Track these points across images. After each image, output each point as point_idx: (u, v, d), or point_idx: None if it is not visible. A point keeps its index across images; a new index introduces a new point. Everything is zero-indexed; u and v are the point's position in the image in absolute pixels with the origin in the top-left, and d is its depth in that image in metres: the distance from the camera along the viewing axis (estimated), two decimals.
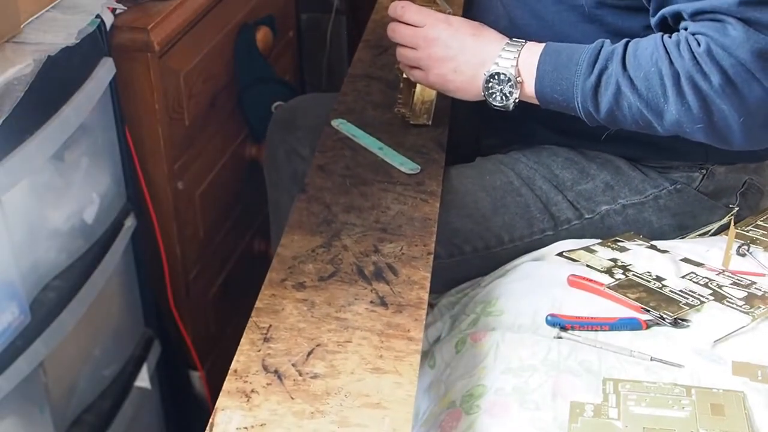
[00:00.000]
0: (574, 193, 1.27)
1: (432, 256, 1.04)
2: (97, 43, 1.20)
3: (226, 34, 1.49)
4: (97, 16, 1.19)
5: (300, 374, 0.87)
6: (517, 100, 1.15)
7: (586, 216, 1.27)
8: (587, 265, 1.14)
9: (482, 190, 1.26)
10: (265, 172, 1.52)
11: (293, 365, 0.88)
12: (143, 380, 1.39)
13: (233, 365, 0.88)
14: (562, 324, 1.03)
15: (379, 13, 1.67)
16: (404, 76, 1.29)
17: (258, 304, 0.96)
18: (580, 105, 1.11)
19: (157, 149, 1.34)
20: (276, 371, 0.87)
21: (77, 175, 1.22)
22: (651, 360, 0.98)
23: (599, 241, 1.21)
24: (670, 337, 1.01)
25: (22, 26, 1.11)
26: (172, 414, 1.53)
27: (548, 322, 1.04)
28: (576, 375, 0.98)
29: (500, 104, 1.16)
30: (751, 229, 1.21)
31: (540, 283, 1.12)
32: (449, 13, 1.25)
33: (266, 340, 0.91)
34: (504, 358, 1.01)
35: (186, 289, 1.47)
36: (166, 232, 1.40)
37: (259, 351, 0.90)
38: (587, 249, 1.18)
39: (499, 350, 1.03)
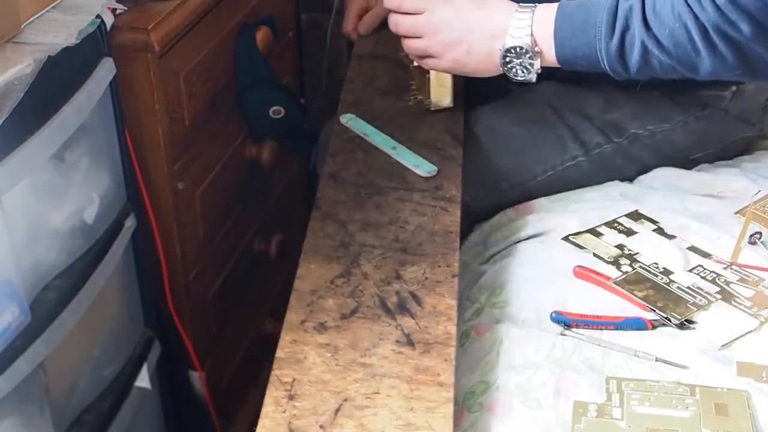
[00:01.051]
0: (601, 122, 1.26)
1: (457, 278, 1.00)
2: (97, 43, 1.20)
3: (226, 34, 1.49)
4: (97, 16, 1.19)
5: None
6: (539, 71, 1.11)
7: (615, 140, 1.25)
8: (594, 254, 1.12)
9: (517, 124, 1.24)
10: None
11: (321, 427, 0.83)
12: (143, 380, 1.39)
13: (260, 431, 0.83)
14: (566, 322, 1.03)
15: None
16: (414, 63, 1.24)
17: (279, 353, 0.91)
18: (607, 67, 1.09)
19: (157, 149, 1.33)
20: None
21: (77, 175, 1.22)
22: (656, 361, 0.98)
23: (605, 222, 1.19)
24: (676, 337, 1.01)
25: (22, 26, 1.11)
26: (172, 414, 1.53)
27: (552, 320, 1.04)
28: (579, 373, 0.97)
29: (522, 78, 1.12)
30: None
31: (545, 272, 1.11)
32: None
33: (291, 397, 0.86)
34: (507, 354, 1.01)
35: (186, 289, 1.47)
36: (166, 232, 1.39)
37: (285, 412, 0.84)
38: (593, 231, 1.16)
39: (503, 346, 1.02)
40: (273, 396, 0.86)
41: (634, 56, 1.06)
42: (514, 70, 1.12)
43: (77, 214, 1.22)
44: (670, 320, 1.02)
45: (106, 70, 1.22)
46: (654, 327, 1.02)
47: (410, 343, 0.92)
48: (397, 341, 0.92)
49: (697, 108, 1.26)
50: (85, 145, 1.22)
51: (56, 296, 1.15)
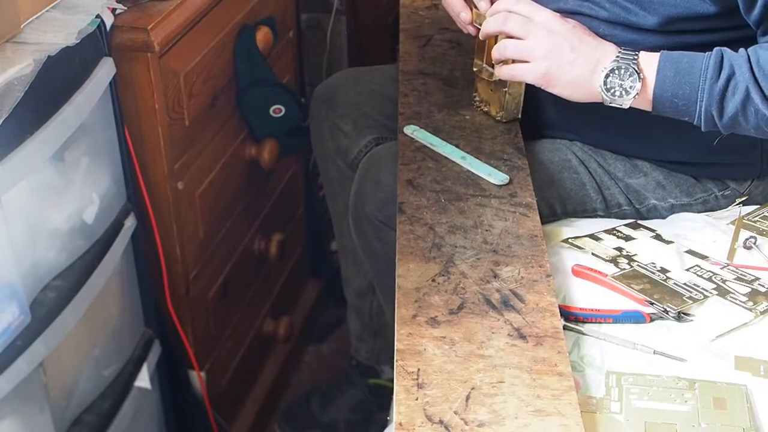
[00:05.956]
0: (625, 185, 1.30)
1: (551, 278, 1.04)
2: (97, 43, 1.20)
3: (226, 34, 1.49)
4: (97, 16, 1.20)
5: (466, 423, 0.85)
6: (636, 97, 1.13)
7: (636, 206, 1.30)
8: (592, 254, 1.14)
9: (539, 163, 1.27)
10: (312, 145, 1.64)
11: (455, 413, 0.86)
12: (143, 380, 1.39)
13: (397, 417, 0.86)
14: (566, 315, 1.04)
15: None
16: (481, 76, 1.28)
17: (398, 345, 0.94)
18: (703, 109, 1.10)
19: (157, 149, 1.34)
20: (441, 421, 0.85)
21: (77, 175, 1.22)
22: (654, 353, 0.99)
23: (604, 229, 1.21)
24: (674, 331, 1.02)
25: (22, 26, 1.11)
26: (172, 414, 1.53)
27: None
28: (578, 368, 0.98)
29: (616, 101, 1.14)
30: (758, 220, 1.21)
31: None
32: None
33: (420, 386, 0.89)
34: None
35: (186, 289, 1.47)
36: (165, 232, 1.40)
37: (417, 399, 0.87)
38: (593, 236, 1.18)
39: None
40: (402, 385, 0.89)
41: (735, 101, 1.09)
42: (612, 90, 1.14)
43: (77, 214, 1.22)
44: (667, 312, 1.03)
45: (106, 70, 1.22)
46: (652, 320, 1.03)
47: (522, 337, 0.95)
48: (509, 335, 0.96)
49: (718, 189, 1.30)
50: (85, 144, 1.23)
51: (56, 296, 1.15)
